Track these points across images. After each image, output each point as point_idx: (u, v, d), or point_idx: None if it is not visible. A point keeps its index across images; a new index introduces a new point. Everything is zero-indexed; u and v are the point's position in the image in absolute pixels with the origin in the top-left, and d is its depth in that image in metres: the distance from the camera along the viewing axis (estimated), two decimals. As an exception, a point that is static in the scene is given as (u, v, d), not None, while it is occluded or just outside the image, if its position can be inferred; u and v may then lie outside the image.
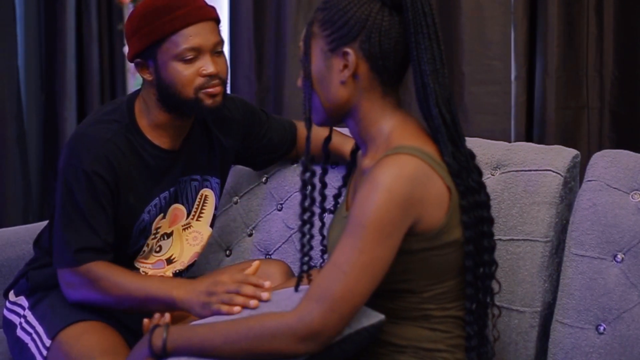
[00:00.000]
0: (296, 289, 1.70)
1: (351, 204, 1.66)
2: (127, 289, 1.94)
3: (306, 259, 1.71)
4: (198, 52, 1.95)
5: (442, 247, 1.59)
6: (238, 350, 1.56)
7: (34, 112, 3.91)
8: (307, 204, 1.68)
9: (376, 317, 1.59)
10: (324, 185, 1.75)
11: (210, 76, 1.96)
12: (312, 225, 1.69)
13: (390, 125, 1.62)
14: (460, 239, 1.60)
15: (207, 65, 1.96)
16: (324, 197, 1.75)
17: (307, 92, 1.64)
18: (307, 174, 1.67)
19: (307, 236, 1.70)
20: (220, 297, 1.75)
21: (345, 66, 1.60)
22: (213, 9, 2.02)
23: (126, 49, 3.69)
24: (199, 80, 1.96)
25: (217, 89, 1.98)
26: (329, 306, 1.51)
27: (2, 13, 3.61)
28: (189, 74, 1.95)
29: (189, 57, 1.95)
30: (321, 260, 1.85)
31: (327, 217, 1.78)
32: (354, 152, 1.79)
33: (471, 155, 1.64)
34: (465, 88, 3.02)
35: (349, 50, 1.59)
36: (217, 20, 2.02)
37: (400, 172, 1.53)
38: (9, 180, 3.68)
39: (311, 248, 1.70)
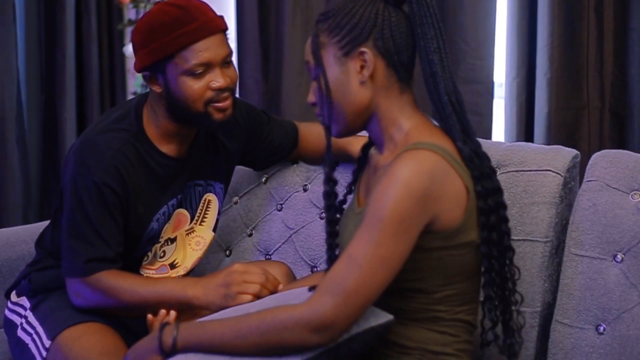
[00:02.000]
0: (310, 289, 1.68)
1: (363, 200, 1.66)
2: (140, 295, 1.94)
3: (332, 253, 1.72)
4: (208, 66, 1.93)
5: (457, 247, 1.58)
6: (249, 344, 1.55)
7: (34, 112, 3.91)
8: (330, 201, 1.68)
9: (385, 317, 1.58)
10: (333, 182, 1.74)
11: (220, 89, 1.95)
12: (337, 222, 1.70)
13: (410, 124, 1.62)
14: (476, 241, 1.60)
15: (217, 78, 1.93)
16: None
17: (327, 103, 1.62)
18: (328, 169, 1.68)
19: (335, 233, 1.70)
20: (239, 286, 1.80)
21: (362, 67, 1.60)
22: (221, 19, 1.98)
23: (126, 50, 3.72)
24: (209, 94, 1.94)
25: (227, 103, 1.96)
26: (342, 298, 1.50)
27: (2, 13, 3.62)
28: (199, 88, 1.93)
29: (199, 72, 1.92)
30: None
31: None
32: (365, 147, 1.79)
33: (478, 145, 1.63)
34: None
35: (365, 49, 1.59)
36: (226, 30, 1.99)
37: (419, 167, 1.52)
38: (9, 180, 3.68)
39: (337, 245, 1.71)
